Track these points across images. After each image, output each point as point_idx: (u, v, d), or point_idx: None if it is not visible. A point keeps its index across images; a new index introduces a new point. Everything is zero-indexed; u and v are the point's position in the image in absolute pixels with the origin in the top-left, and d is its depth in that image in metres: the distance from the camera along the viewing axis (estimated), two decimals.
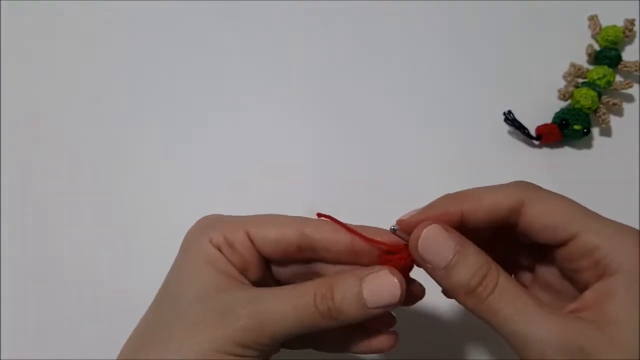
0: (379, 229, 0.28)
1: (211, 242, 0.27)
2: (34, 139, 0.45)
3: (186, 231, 0.29)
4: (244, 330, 0.25)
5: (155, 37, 0.50)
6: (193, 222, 0.29)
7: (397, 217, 0.27)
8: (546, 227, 0.25)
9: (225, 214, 0.29)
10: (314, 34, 0.50)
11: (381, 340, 0.29)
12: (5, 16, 0.50)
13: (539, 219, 0.25)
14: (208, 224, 0.28)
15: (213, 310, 0.25)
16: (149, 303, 0.28)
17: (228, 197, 0.42)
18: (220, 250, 0.27)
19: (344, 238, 0.27)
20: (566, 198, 0.25)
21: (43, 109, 0.46)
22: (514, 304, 0.23)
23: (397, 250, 0.26)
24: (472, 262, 0.24)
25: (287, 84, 0.47)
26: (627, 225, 0.24)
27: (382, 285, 0.25)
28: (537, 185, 0.26)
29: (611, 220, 0.25)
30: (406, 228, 0.26)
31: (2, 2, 0.51)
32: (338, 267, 0.28)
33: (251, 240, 0.27)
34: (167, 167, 0.44)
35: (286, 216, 0.28)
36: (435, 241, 0.25)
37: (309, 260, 0.29)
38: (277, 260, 0.28)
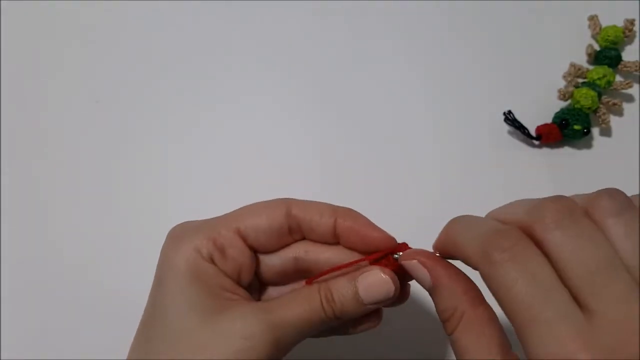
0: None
1: (199, 252, 0.26)
2: (33, 138, 0.45)
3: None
4: (258, 349, 0.24)
5: (155, 37, 0.50)
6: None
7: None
8: None
9: (203, 217, 0.29)
10: (314, 33, 0.50)
11: (370, 318, 0.29)
12: (5, 16, 0.50)
13: None
14: (189, 231, 0.27)
15: (221, 335, 0.24)
16: None
17: (228, 197, 0.42)
18: (212, 261, 0.26)
19: (328, 221, 0.27)
20: None
21: (42, 108, 0.46)
22: (474, 341, 0.23)
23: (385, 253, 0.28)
24: (443, 296, 0.25)
25: (287, 84, 0.47)
26: None
27: (374, 282, 0.26)
28: None
29: None
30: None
31: (1, 2, 0.51)
32: (327, 254, 0.28)
33: (242, 238, 0.27)
34: (167, 167, 0.44)
35: (266, 202, 0.28)
36: (416, 273, 0.26)
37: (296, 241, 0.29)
38: (270, 250, 0.28)
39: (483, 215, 0.26)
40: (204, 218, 0.29)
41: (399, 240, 0.28)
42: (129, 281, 0.39)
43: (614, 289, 0.20)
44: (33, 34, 0.50)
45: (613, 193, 0.22)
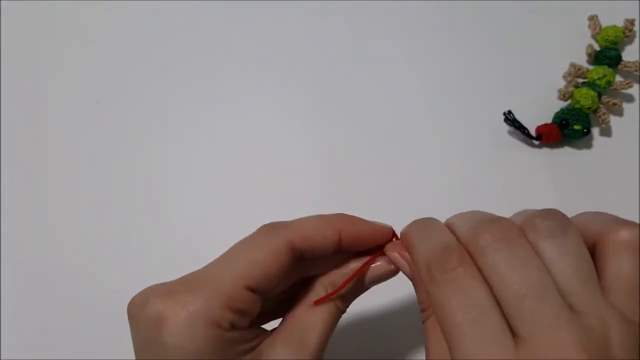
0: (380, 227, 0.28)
1: (219, 325, 0.22)
2: (33, 138, 0.45)
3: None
4: None
5: (155, 37, 0.50)
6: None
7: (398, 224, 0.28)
8: None
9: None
10: (314, 33, 0.50)
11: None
12: (5, 16, 0.50)
13: None
14: (187, 303, 0.22)
15: None
16: None
17: (229, 197, 0.42)
18: (233, 327, 0.23)
19: (332, 240, 0.26)
20: None
21: (42, 108, 0.46)
22: (439, 334, 0.23)
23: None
24: (419, 289, 0.25)
25: (288, 84, 0.47)
26: None
27: (383, 273, 0.28)
28: None
29: None
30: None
31: (1, 2, 0.51)
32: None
33: (252, 290, 0.24)
34: (167, 167, 0.44)
35: (264, 241, 0.25)
36: (397, 264, 0.27)
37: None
38: (278, 289, 0.27)
39: None
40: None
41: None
42: (129, 281, 0.39)
43: (542, 315, 0.19)
44: (33, 34, 0.50)
45: (549, 214, 0.22)
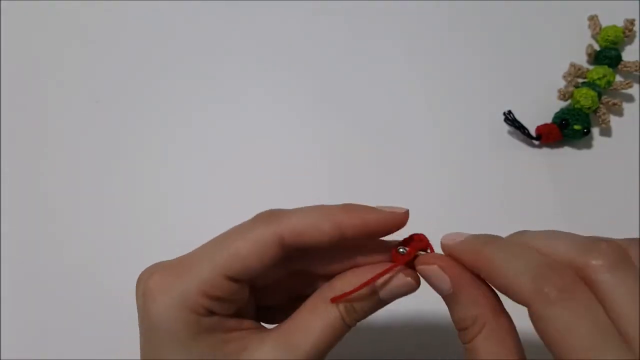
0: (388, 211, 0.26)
1: (194, 311, 0.23)
2: (33, 138, 0.45)
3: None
4: None
5: (155, 37, 0.50)
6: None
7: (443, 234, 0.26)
8: None
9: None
10: (314, 33, 0.50)
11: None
12: (5, 16, 0.50)
13: None
14: (172, 283, 0.23)
15: None
16: None
17: (229, 197, 0.42)
18: (211, 312, 0.23)
19: (329, 232, 0.24)
20: None
21: (42, 108, 0.46)
22: (496, 351, 0.23)
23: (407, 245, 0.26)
24: (463, 304, 0.24)
25: (288, 84, 0.47)
26: None
27: (399, 287, 0.25)
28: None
29: None
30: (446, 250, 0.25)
31: (1, 2, 0.51)
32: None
33: (234, 280, 0.24)
34: (167, 167, 0.44)
35: (252, 233, 0.24)
36: (434, 278, 0.25)
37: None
38: (267, 281, 0.26)
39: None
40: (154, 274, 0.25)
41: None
42: (129, 281, 0.39)
43: None
44: (33, 34, 0.50)
45: None
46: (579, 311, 0.20)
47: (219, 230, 0.41)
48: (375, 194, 0.43)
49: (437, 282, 0.24)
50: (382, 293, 0.25)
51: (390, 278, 0.25)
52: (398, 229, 0.25)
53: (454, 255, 0.25)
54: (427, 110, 0.46)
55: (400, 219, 0.25)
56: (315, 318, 0.24)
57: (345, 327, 0.25)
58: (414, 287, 0.25)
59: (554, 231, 0.24)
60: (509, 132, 0.45)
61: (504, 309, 0.24)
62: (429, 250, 0.26)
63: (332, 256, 0.26)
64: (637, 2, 0.49)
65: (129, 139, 0.45)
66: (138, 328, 0.25)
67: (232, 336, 0.24)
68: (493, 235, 0.24)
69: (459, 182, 0.43)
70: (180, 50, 0.49)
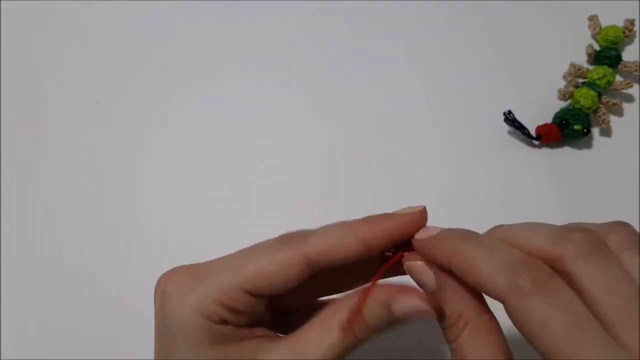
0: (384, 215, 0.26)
1: (208, 318, 0.23)
2: (33, 139, 0.45)
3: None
4: None
5: (155, 37, 0.50)
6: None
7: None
8: None
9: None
10: (314, 33, 0.50)
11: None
12: (5, 16, 0.50)
13: None
14: (188, 288, 0.24)
15: None
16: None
17: (229, 197, 0.42)
18: (224, 322, 0.23)
19: (356, 250, 0.24)
20: None
21: (42, 108, 0.46)
22: (481, 349, 0.23)
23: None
24: (447, 301, 0.24)
25: (288, 84, 0.47)
26: None
27: (412, 308, 0.24)
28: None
29: None
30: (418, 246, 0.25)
31: (1, 2, 0.51)
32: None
33: (254, 295, 0.24)
34: (167, 167, 0.44)
35: (280, 253, 0.24)
36: (419, 274, 0.25)
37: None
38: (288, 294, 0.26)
39: (479, 222, 0.26)
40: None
41: None
42: (129, 281, 0.39)
43: None
44: (33, 34, 0.50)
45: (627, 225, 0.22)
46: (555, 302, 0.20)
47: (218, 230, 0.41)
48: (376, 194, 0.43)
49: (423, 278, 0.25)
50: (396, 310, 0.24)
51: (406, 298, 0.24)
52: (420, 228, 0.25)
53: (426, 250, 0.25)
54: (427, 110, 0.46)
55: (419, 218, 0.25)
56: (326, 332, 0.24)
57: (357, 340, 0.24)
58: (428, 311, 0.24)
59: (529, 223, 0.24)
60: (509, 132, 0.45)
61: (487, 306, 0.24)
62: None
63: (354, 267, 0.26)
64: (637, 2, 0.49)
65: (128, 139, 0.45)
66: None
67: (243, 345, 0.24)
68: (467, 231, 0.24)
69: (459, 182, 0.43)
70: (180, 50, 0.49)
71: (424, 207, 0.25)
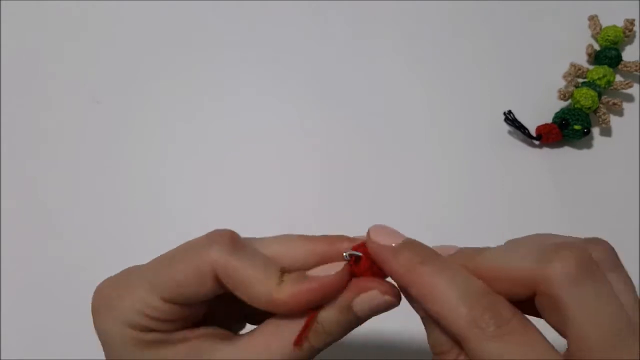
0: (337, 236, 0.24)
1: (134, 327, 0.22)
2: (33, 139, 0.45)
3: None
4: None
5: (155, 37, 0.50)
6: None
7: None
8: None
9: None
10: (314, 33, 0.50)
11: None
12: (5, 16, 0.50)
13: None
14: (113, 300, 0.23)
15: None
16: None
17: (229, 197, 0.42)
18: (152, 330, 0.22)
19: (271, 285, 0.22)
20: None
21: (42, 108, 0.46)
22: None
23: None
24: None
25: (287, 84, 0.47)
26: None
27: (376, 305, 0.23)
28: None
29: None
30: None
31: (1, 1, 0.51)
32: None
33: (172, 303, 0.22)
34: (166, 166, 0.44)
35: (187, 261, 0.22)
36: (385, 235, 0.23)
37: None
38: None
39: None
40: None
41: None
42: None
43: (631, 353, 0.18)
44: (33, 33, 0.50)
45: (605, 244, 0.21)
46: (519, 343, 0.19)
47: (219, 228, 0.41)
48: (375, 193, 0.43)
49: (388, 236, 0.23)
50: (358, 310, 0.22)
51: (366, 295, 0.22)
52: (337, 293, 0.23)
53: (382, 262, 0.22)
54: (427, 110, 0.46)
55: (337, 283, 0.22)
56: (276, 339, 0.22)
57: (313, 349, 0.22)
58: (391, 303, 0.23)
59: (513, 242, 0.22)
60: (509, 132, 0.45)
61: None
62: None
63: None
64: (637, 2, 0.49)
65: (129, 139, 0.45)
66: None
67: (179, 347, 0.23)
68: (430, 251, 0.22)
69: (459, 182, 0.43)
70: (181, 51, 0.49)
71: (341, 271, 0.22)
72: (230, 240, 0.22)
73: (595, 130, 0.45)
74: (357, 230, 0.25)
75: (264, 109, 0.46)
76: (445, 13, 0.51)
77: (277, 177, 0.43)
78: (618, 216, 0.41)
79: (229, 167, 0.44)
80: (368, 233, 0.23)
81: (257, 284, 0.21)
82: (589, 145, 0.45)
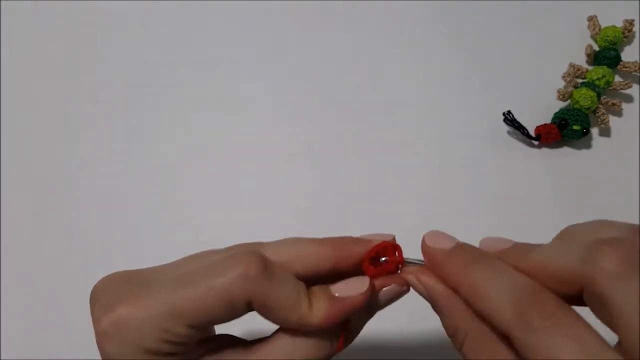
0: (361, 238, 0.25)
1: (149, 351, 0.21)
2: (33, 139, 0.45)
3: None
4: None
5: (155, 38, 0.50)
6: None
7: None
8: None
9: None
10: (314, 33, 0.50)
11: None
12: (5, 16, 0.50)
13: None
14: (131, 321, 0.21)
15: None
16: None
17: (229, 196, 0.42)
18: (169, 354, 0.22)
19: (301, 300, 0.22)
20: None
21: (42, 108, 0.46)
22: (485, 357, 0.22)
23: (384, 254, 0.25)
24: (444, 314, 0.23)
25: (287, 84, 0.47)
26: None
27: (394, 297, 0.25)
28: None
29: None
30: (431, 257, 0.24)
31: (1, 1, 0.51)
32: None
33: (195, 328, 0.22)
34: (168, 167, 0.44)
35: (213, 283, 0.21)
36: (415, 288, 0.24)
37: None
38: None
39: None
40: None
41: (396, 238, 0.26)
42: None
43: None
44: (33, 34, 0.50)
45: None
46: (564, 335, 0.19)
47: (218, 230, 0.41)
48: (374, 193, 0.43)
49: (418, 291, 0.24)
50: (382, 303, 0.24)
51: (381, 287, 0.24)
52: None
53: (434, 264, 0.24)
54: (426, 110, 0.46)
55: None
56: (297, 342, 0.23)
57: (334, 349, 0.24)
58: (404, 291, 0.24)
59: (567, 233, 0.23)
60: (509, 132, 0.45)
61: None
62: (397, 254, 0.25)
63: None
64: (637, 2, 0.49)
65: (129, 139, 0.45)
66: None
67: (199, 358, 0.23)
68: (480, 252, 0.23)
69: (459, 182, 0.43)
70: (181, 51, 0.49)
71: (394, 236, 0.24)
72: (264, 268, 0.22)
73: (595, 131, 0.45)
74: (357, 230, 0.25)
75: (264, 109, 0.46)
76: (444, 13, 0.51)
77: (277, 177, 0.43)
78: (618, 216, 0.41)
79: (227, 166, 0.44)
80: (423, 239, 0.24)
81: (290, 311, 0.22)
82: (588, 146, 0.45)
